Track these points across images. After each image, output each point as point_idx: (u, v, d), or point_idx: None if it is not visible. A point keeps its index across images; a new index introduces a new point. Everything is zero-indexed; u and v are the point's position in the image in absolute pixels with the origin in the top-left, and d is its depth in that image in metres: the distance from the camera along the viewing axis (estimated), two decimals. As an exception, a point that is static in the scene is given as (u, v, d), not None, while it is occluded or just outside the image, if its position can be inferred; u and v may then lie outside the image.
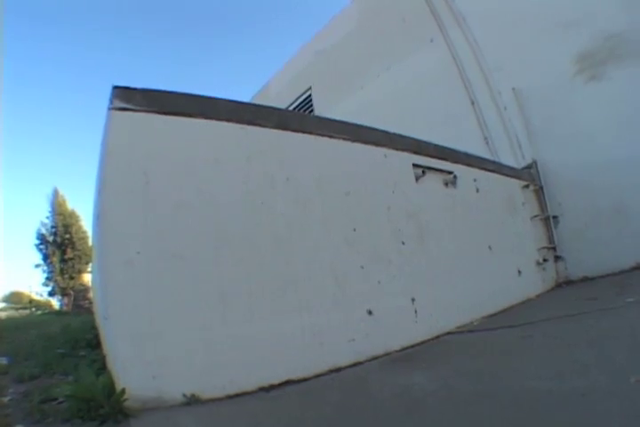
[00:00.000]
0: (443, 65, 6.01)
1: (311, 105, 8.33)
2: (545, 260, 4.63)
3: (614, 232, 4.46)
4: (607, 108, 4.59)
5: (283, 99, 8.94)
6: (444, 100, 6.00)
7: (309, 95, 8.41)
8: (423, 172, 3.25)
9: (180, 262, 2.00)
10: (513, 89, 5.30)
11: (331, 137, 2.74)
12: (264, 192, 2.34)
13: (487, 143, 5.47)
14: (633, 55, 4.47)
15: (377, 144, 3.01)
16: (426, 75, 6.24)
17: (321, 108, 7.98)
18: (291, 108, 8.67)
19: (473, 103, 5.71)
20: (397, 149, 3.13)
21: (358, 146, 2.88)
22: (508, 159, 5.11)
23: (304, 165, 2.55)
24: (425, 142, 3.49)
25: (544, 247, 4.72)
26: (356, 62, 7.41)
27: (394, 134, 3.21)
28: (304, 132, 2.63)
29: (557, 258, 4.84)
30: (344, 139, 2.81)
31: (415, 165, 3.23)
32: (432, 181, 3.37)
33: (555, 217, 4.90)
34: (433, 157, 3.42)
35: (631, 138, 4.39)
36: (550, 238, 4.88)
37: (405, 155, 3.20)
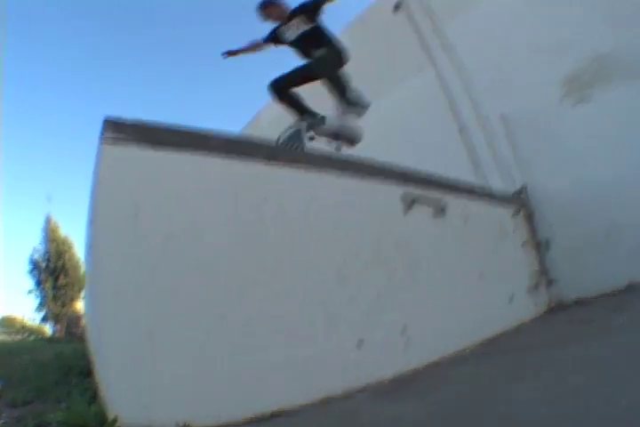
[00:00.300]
0: (432, 92, 6.10)
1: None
2: (537, 284, 4.64)
3: (606, 252, 4.46)
4: (596, 130, 4.65)
5: (275, 127, 8.88)
6: (433, 127, 6.07)
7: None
8: (412, 202, 3.28)
9: (169, 294, 2.03)
10: (501, 114, 5.39)
11: (319, 170, 2.79)
12: (253, 225, 2.37)
13: (477, 169, 5.53)
14: (620, 75, 4.53)
15: (365, 176, 3.05)
16: (415, 102, 6.33)
17: (314, 136, 8.00)
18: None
19: (462, 129, 5.78)
20: (385, 180, 3.18)
21: (347, 178, 2.92)
22: (497, 185, 5.16)
23: (293, 199, 2.59)
24: (414, 172, 3.55)
25: (536, 272, 4.74)
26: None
27: (382, 165, 3.26)
28: (292, 165, 2.67)
29: (550, 282, 4.84)
30: (332, 171, 2.85)
31: (404, 195, 3.26)
32: (421, 210, 3.38)
33: (546, 241, 4.92)
34: (422, 186, 3.47)
35: (620, 158, 4.44)
36: (542, 263, 4.88)
37: (394, 185, 3.24)
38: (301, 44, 4.01)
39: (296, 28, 3.99)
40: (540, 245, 4.92)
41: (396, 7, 6.70)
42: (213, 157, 2.34)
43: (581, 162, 4.74)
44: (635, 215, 4.32)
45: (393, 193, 3.22)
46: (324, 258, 2.62)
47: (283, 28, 4.09)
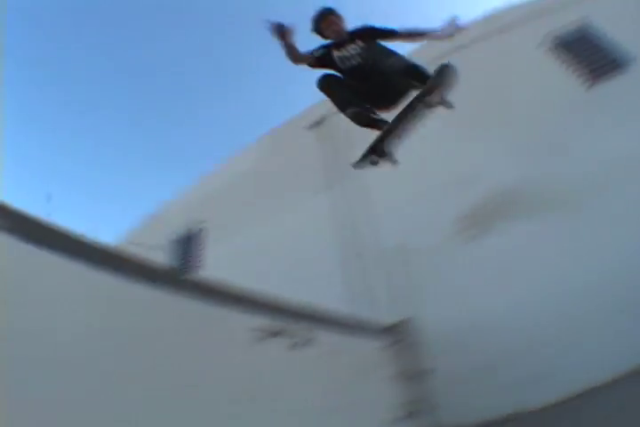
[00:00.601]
0: (328, 218, 6.23)
1: (203, 237, 8.25)
2: (411, 414, 4.54)
3: (490, 382, 4.51)
4: (486, 266, 4.92)
5: (176, 225, 8.77)
6: (326, 254, 6.06)
7: (203, 227, 8.36)
8: (268, 334, 3.20)
9: (19, 394, 1.85)
10: (397, 245, 5.55)
11: (178, 293, 2.71)
12: (98, 339, 2.20)
13: (361, 299, 5.46)
14: (519, 211, 4.85)
15: (223, 302, 2.99)
16: (309, 226, 6.38)
17: (214, 241, 7.86)
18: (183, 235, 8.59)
19: (354, 257, 5.85)
20: (246, 309, 3.13)
21: (200, 302, 2.85)
22: (381, 316, 5.10)
23: (148, 320, 2.50)
24: (281, 302, 3.51)
25: (409, 402, 4.65)
26: (249, 203, 7.41)
27: (247, 293, 3.23)
28: (152, 286, 2.59)
29: (426, 411, 4.75)
30: (189, 295, 2.77)
31: (259, 326, 3.19)
32: (280, 343, 3.31)
33: (426, 371, 4.90)
34: (287, 317, 3.44)
35: (506, 296, 4.66)
36: (419, 393, 4.80)
37: (255, 314, 3.19)
38: (369, 63, 3.18)
39: (355, 51, 3.25)
40: (417, 376, 4.88)
41: (316, 124, 6.90)
42: (83, 265, 2.23)
43: (471, 297, 4.92)
44: (519, 347, 4.47)
45: (252, 321, 3.16)
46: (159, 382, 2.42)
47: (338, 48, 3.32)
